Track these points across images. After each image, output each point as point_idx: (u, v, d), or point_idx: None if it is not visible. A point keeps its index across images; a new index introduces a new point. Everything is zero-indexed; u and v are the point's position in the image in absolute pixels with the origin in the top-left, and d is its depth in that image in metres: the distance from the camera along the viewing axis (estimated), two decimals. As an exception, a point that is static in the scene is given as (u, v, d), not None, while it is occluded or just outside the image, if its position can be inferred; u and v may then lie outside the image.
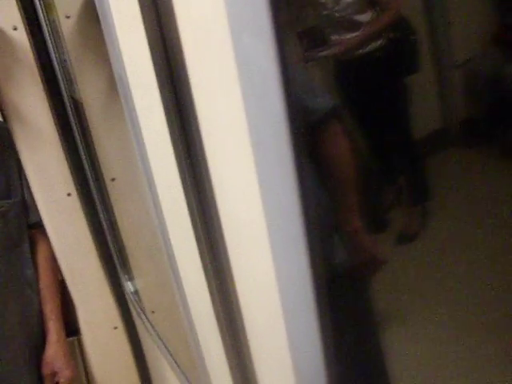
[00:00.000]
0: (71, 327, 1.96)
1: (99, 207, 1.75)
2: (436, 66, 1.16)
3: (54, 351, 1.67)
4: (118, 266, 1.84)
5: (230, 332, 0.73)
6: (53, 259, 1.78)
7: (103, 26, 0.73)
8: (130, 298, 1.85)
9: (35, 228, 1.72)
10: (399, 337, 1.11)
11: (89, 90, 1.54)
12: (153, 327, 1.62)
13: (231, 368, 0.78)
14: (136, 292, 1.84)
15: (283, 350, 0.61)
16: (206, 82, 0.55)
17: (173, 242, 0.80)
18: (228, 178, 0.57)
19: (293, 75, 0.51)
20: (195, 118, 0.57)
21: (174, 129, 0.62)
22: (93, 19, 1.49)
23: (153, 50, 0.61)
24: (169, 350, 1.45)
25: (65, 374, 1.67)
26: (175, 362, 1.38)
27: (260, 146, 0.50)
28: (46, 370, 1.66)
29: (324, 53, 1.22)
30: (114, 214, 1.76)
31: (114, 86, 1.56)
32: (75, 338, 2.03)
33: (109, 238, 1.80)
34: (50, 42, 1.50)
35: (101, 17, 0.72)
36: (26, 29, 1.49)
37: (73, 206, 1.74)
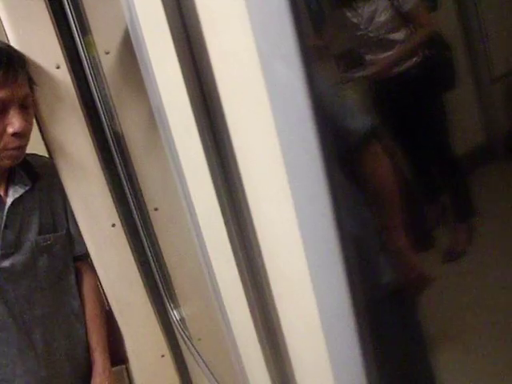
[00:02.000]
0: (119, 356, 1.98)
1: (143, 237, 1.78)
2: (474, 81, 1.14)
3: (100, 382, 1.69)
4: (163, 295, 1.86)
5: (274, 358, 0.73)
6: (98, 290, 1.81)
7: (140, 62, 0.75)
8: (176, 325, 1.86)
9: (81, 260, 1.76)
10: (449, 357, 1.08)
11: (129, 123, 1.58)
12: (199, 354, 1.62)
13: None
14: (182, 320, 1.85)
15: (327, 376, 0.60)
16: (237, 108, 0.55)
17: (215, 268, 0.80)
18: (264, 204, 0.57)
19: (326, 98, 0.52)
20: (231, 150, 0.57)
21: (211, 156, 0.63)
22: (131, 54, 1.53)
23: (187, 82, 0.62)
24: (215, 378, 1.45)
25: None
26: (223, 390, 1.37)
27: (295, 172, 0.50)
28: None
29: (360, 73, 1.22)
30: (158, 243, 1.78)
31: (154, 118, 1.60)
32: (123, 366, 2.04)
33: (154, 266, 1.82)
34: (91, 78, 1.55)
35: (137, 52, 0.74)
36: (68, 66, 1.55)
37: (117, 237, 1.77)
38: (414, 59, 1.23)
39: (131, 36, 0.74)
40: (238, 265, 0.68)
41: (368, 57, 1.31)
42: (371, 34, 1.26)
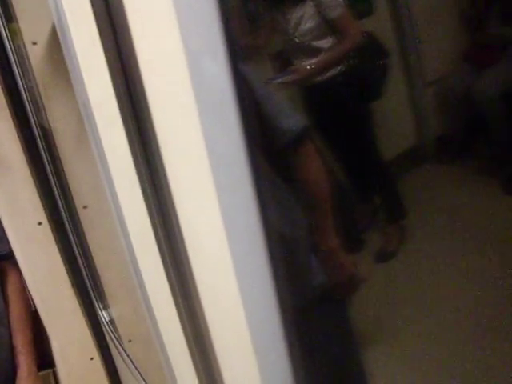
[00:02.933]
0: (46, 359, 1.91)
1: (71, 235, 1.72)
2: (406, 86, 1.16)
3: None
4: (92, 295, 1.80)
5: (203, 362, 0.72)
6: (23, 291, 1.74)
7: (66, 57, 0.72)
8: (105, 327, 1.81)
9: (5, 259, 1.68)
10: (379, 355, 1.10)
11: (57, 118, 1.52)
12: (129, 357, 1.58)
13: None
14: (112, 321, 1.80)
15: (254, 376, 0.60)
16: (165, 106, 0.54)
17: (142, 268, 0.78)
18: (192, 210, 0.56)
19: (257, 98, 0.51)
20: (157, 147, 0.56)
21: (138, 159, 0.62)
22: (61, 46, 1.48)
23: (114, 76, 0.60)
24: (145, 380, 1.42)
25: None
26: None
27: (220, 171, 0.49)
28: None
29: (288, 78, 1.22)
30: (86, 241, 1.73)
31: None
32: (50, 370, 1.97)
33: (82, 266, 1.76)
34: (16, 68, 1.48)
35: (64, 48, 0.72)
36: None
37: (44, 235, 1.71)
38: (340, 67, 1.24)
39: (58, 32, 0.71)
40: (165, 265, 0.67)
41: (295, 62, 1.33)
42: (297, 40, 1.27)
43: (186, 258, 0.60)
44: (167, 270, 0.67)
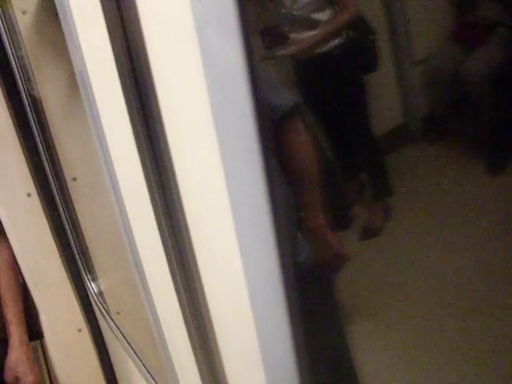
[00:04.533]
0: (34, 330, 1.91)
1: (60, 207, 1.71)
2: (395, 64, 1.17)
3: (17, 356, 1.63)
4: (81, 267, 1.81)
5: (198, 331, 0.73)
6: (14, 262, 1.73)
7: (62, 21, 0.71)
8: (94, 299, 1.82)
9: (-5, 232, 1.68)
10: (365, 330, 1.12)
11: (48, 88, 1.50)
12: (118, 328, 1.60)
13: (200, 368, 0.77)
14: (100, 293, 1.81)
15: (252, 347, 0.60)
16: (169, 77, 0.54)
17: (137, 239, 0.78)
18: (193, 173, 0.56)
19: (257, 73, 0.51)
20: (159, 113, 0.56)
21: (138, 126, 0.61)
22: (51, 15, 1.45)
23: (114, 44, 0.59)
24: (135, 351, 1.43)
25: (28, 379, 1.63)
26: (142, 363, 1.36)
27: (226, 141, 0.49)
28: (9, 376, 1.62)
29: (283, 52, 1.22)
30: (75, 214, 1.73)
31: (75, 84, 1.53)
32: (38, 341, 1.98)
33: (71, 238, 1.76)
34: (5, 37, 1.46)
35: (59, 11, 0.70)
36: (-21, 24, 1.44)
37: (33, 207, 1.70)
38: (337, 40, 1.24)
39: None
40: (162, 235, 0.67)
41: (292, 35, 1.32)
42: (295, 13, 1.26)
43: (185, 223, 0.60)
44: (165, 243, 0.67)
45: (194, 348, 0.77)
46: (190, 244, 0.61)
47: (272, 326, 0.59)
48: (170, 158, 0.57)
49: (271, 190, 0.51)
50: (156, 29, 0.53)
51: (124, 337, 1.53)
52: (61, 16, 0.71)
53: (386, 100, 1.17)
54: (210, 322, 0.67)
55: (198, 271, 0.63)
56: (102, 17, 0.58)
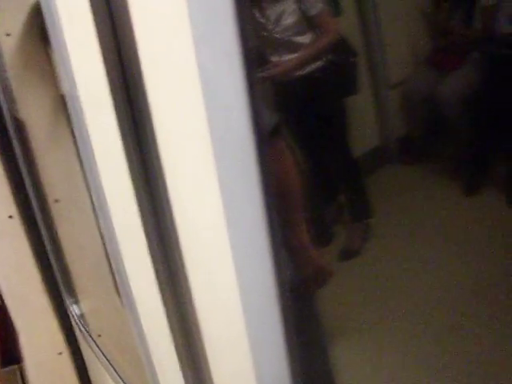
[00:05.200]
0: (14, 355, 1.88)
1: (42, 229, 1.70)
2: (372, 87, 1.20)
3: None
4: (62, 289, 1.79)
5: (188, 352, 0.72)
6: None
7: (53, 43, 0.72)
8: (75, 321, 1.80)
9: (-26, 253, 1.66)
10: (346, 346, 1.13)
11: (31, 109, 1.51)
12: (101, 350, 1.58)
13: None
14: (82, 315, 1.79)
15: (246, 367, 0.60)
16: (164, 94, 0.54)
17: (125, 259, 0.79)
18: (187, 191, 0.57)
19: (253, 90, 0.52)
20: (153, 135, 0.57)
21: (130, 148, 0.62)
22: (35, 38, 1.47)
23: (108, 66, 0.60)
24: (118, 373, 1.42)
25: None
26: (125, 385, 1.35)
27: (222, 161, 0.50)
28: None
29: (264, 73, 1.25)
30: (57, 236, 1.72)
31: (58, 106, 1.54)
32: (16, 366, 1.95)
33: (52, 260, 1.75)
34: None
35: (50, 32, 0.71)
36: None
37: (14, 229, 1.69)
38: (318, 63, 1.28)
39: (44, 14, 0.71)
40: (151, 251, 0.67)
41: (273, 58, 1.35)
42: (277, 36, 1.29)
43: (176, 241, 0.61)
44: (153, 255, 0.68)
45: (183, 370, 0.76)
46: (182, 260, 0.62)
47: (266, 346, 0.59)
48: (162, 178, 0.58)
49: (266, 204, 0.52)
50: (152, 49, 0.54)
51: (107, 359, 1.52)
52: (52, 37, 0.72)
53: (364, 122, 1.20)
54: (201, 341, 0.67)
55: (189, 289, 0.64)
56: (95, 35, 0.59)
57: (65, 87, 0.75)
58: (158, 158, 0.58)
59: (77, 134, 0.75)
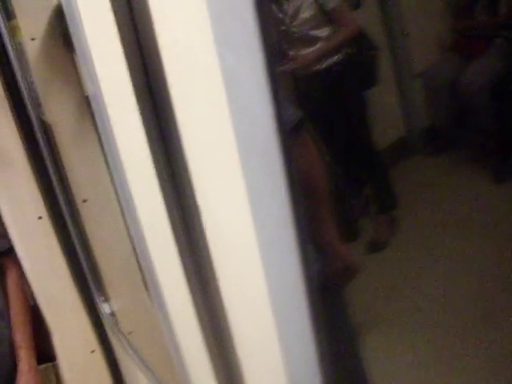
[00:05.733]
0: (47, 353, 1.92)
1: (71, 229, 1.73)
2: (395, 78, 1.19)
3: (26, 381, 1.64)
4: (92, 288, 1.82)
5: (219, 349, 0.72)
6: (23, 285, 1.75)
7: (76, 45, 0.73)
8: (106, 319, 1.83)
9: (5, 255, 1.70)
10: (376, 341, 1.13)
11: (57, 112, 1.53)
12: (132, 348, 1.60)
13: None
14: (112, 313, 1.82)
15: (276, 366, 0.60)
16: (188, 96, 0.55)
17: (153, 257, 0.79)
18: (213, 188, 0.57)
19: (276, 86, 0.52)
20: (177, 132, 0.57)
21: (155, 147, 0.62)
22: (59, 41, 1.49)
23: (130, 66, 0.60)
24: (151, 370, 1.44)
25: None
26: (158, 382, 1.37)
27: (247, 157, 0.50)
28: None
29: (283, 68, 1.25)
30: (86, 235, 1.74)
31: (83, 108, 1.56)
32: (50, 364, 1.98)
33: (82, 260, 1.77)
34: (16, 64, 1.49)
35: (73, 34, 0.72)
36: (-10, 53, 1.48)
37: (44, 230, 1.72)
38: (336, 56, 1.26)
39: (66, 17, 0.71)
40: (180, 250, 0.68)
41: (291, 52, 1.34)
42: (295, 30, 1.28)
43: (204, 239, 0.61)
44: (181, 254, 0.68)
45: (214, 367, 0.76)
46: (209, 258, 0.62)
47: (295, 343, 0.59)
48: (188, 176, 0.58)
49: (293, 200, 0.52)
50: (174, 49, 0.54)
51: (138, 356, 1.54)
52: (74, 40, 0.72)
53: (388, 113, 1.18)
54: (231, 337, 0.67)
55: (217, 287, 0.64)
56: (118, 38, 0.59)
57: (89, 89, 0.76)
58: (183, 156, 0.58)
59: (102, 134, 0.75)
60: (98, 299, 1.83)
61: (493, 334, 0.96)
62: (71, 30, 0.73)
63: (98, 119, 0.75)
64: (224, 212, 0.58)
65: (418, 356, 1.08)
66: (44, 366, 1.93)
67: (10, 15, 1.45)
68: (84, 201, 1.68)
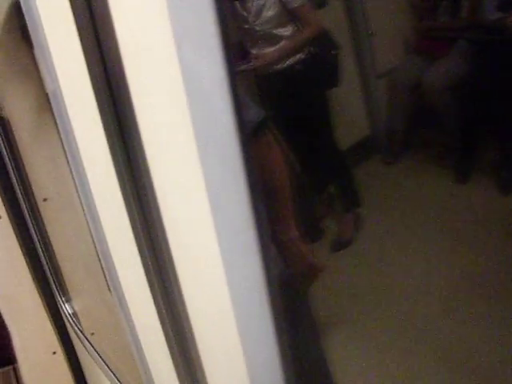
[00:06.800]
0: (7, 356, 1.88)
1: (32, 229, 1.69)
2: (359, 77, 1.19)
3: None
4: (54, 289, 1.78)
5: (180, 348, 0.72)
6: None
7: (34, 41, 0.71)
8: (68, 320, 1.79)
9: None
10: (339, 338, 1.13)
11: (15, 107, 1.49)
12: (94, 348, 1.58)
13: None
14: (74, 314, 1.79)
15: (238, 363, 0.60)
16: (147, 91, 0.54)
17: (114, 256, 0.78)
18: (173, 185, 0.57)
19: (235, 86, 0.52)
20: (136, 129, 0.56)
21: (114, 143, 0.61)
22: (16, 36, 1.45)
23: (89, 61, 0.59)
24: (112, 371, 1.42)
25: None
26: (120, 383, 1.35)
27: (207, 153, 0.50)
28: None
29: (245, 66, 1.24)
30: (47, 235, 1.71)
31: (43, 104, 1.52)
32: (10, 367, 1.94)
33: (43, 259, 1.74)
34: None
35: (30, 28, 0.70)
36: None
37: (4, 229, 1.68)
38: (299, 55, 1.26)
39: (24, 12, 0.69)
40: (139, 246, 0.66)
41: (254, 50, 1.34)
42: (258, 28, 1.28)
43: (164, 236, 0.60)
44: (142, 253, 0.67)
45: (176, 366, 0.76)
46: (170, 258, 0.62)
47: (256, 342, 0.59)
48: (148, 174, 0.57)
49: (253, 200, 0.52)
50: (133, 45, 0.53)
51: (100, 357, 1.52)
52: (32, 35, 0.71)
53: (352, 113, 1.19)
54: (193, 337, 0.67)
55: (178, 286, 0.63)
56: (76, 33, 0.58)
57: (48, 85, 0.74)
58: (142, 153, 0.57)
59: (61, 131, 0.74)
60: (60, 300, 1.79)
61: (458, 330, 0.98)
62: (29, 26, 0.71)
63: (57, 116, 0.73)
64: (184, 211, 0.58)
65: (383, 354, 1.09)
66: (4, 369, 1.89)
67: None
68: (44, 200, 1.65)
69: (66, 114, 0.70)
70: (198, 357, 0.70)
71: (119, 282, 0.82)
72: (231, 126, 0.51)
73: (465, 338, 0.98)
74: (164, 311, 0.71)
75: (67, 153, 0.78)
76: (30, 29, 0.73)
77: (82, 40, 0.60)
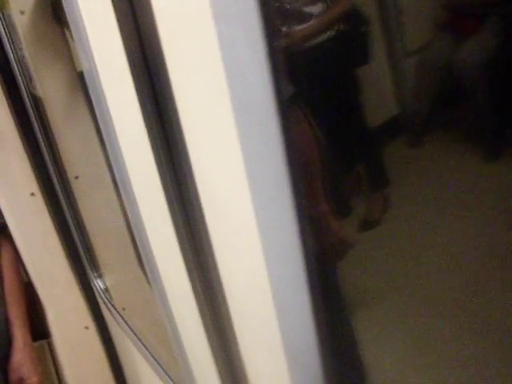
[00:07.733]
0: (41, 330, 1.92)
1: (64, 206, 1.72)
2: (388, 56, 1.18)
3: (21, 357, 1.64)
4: (86, 264, 1.82)
5: (215, 323, 0.72)
6: (16, 262, 1.74)
7: (70, 20, 0.71)
8: (100, 295, 1.83)
9: (-1, 232, 1.69)
10: (368, 319, 1.13)
11: (48, 87, 1.51)
12: (126, 323, 1.61)
13: (217, 362, 0.77)
14: (106, 289, 1.82)
15: (273, 339, 0.60)
16: (185, 70, 0.54)
17: (148, 232, 0.79)
18: (209, 162, 0.57)
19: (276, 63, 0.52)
20: (174, 105, 0.56)
21: (152, 123, 0.61)
22: (48, 16, 1.46)
23: (126, 41, 0.59)
24: (145, 346, 1.44)
25: (32, 380, 1.64)
26: (152, 357, 1.37)
27: (247, 133, 0.50)
28: (13, 377, 1.62)
29: (276, 44, 1.22)
30: (79, 211, 1.74)
31: (75, 82, 1.54)
32: (45, 340, 1.99)
33: (76, 236, 1.77)
34: (6, 38, 1.47)
35: (66, 10, 0.70)
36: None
37: (37, 206, 1.71)
38: (328, 33, 1.24)
39: None
40: (176, 227, 0.67)
41: (283, 28, 1.32)
42: (287, 6, 1.26)
43: (201, 215, 0.60)
44: (178, 232, 0.67)
45: (210, 341, 0.76)
46: (206, 232, 0.62)
47: (293, 315, 0.59)
48: (185, 149, 0.58)
49: (289, 172, 0.52)
50: (171, 22, 0.53)
51: (133, 331, 1.55)
52: (68, 14, 0.71)
53: (381, 92, 1.18)
54: (228, 312, 0.67)
55: (214, 261, 0.64)
56: (113, 12, 0.58)
57: (83, 64, 0.75)
58: (179, 129, 0.57)
59: (96, 111, 0.74)
60: (92, 275, 1.83)
61: (495, 312, 0.97)
62: (64, 4, 0.72)
63: (92, 95, 0.73)
64: (221, 185, 0.58)
65: (410, 334, 1.08)
66: (39, 342, 1.94)
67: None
68: (76, 177, 1.67)
69: (102, 92, 0.70)
70: (233, 330, 0.70)
71: (153, 258, 0.83)
72: (269, 99, 0.50)
73: (502, 318, 0.97)
74: (198, 286, 0.72)
75: (102, 131, 0.79)
76: (65, 7, 0.73)
77: (117, 17, 0.60)
